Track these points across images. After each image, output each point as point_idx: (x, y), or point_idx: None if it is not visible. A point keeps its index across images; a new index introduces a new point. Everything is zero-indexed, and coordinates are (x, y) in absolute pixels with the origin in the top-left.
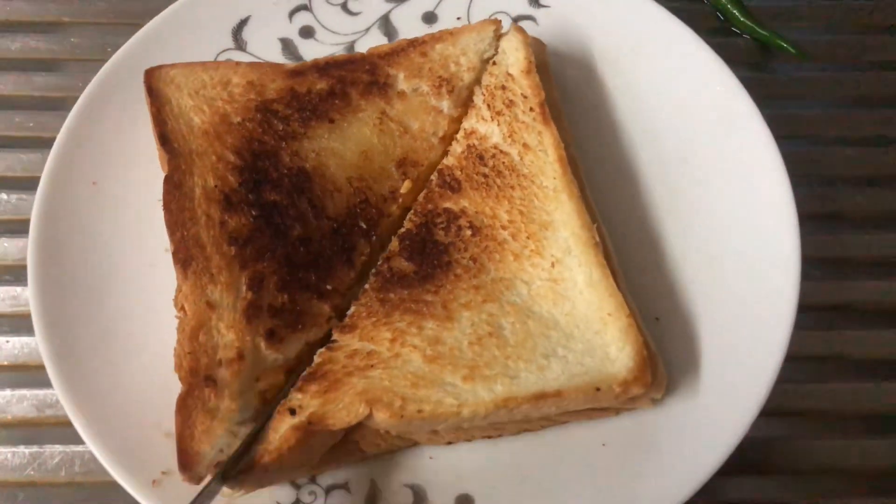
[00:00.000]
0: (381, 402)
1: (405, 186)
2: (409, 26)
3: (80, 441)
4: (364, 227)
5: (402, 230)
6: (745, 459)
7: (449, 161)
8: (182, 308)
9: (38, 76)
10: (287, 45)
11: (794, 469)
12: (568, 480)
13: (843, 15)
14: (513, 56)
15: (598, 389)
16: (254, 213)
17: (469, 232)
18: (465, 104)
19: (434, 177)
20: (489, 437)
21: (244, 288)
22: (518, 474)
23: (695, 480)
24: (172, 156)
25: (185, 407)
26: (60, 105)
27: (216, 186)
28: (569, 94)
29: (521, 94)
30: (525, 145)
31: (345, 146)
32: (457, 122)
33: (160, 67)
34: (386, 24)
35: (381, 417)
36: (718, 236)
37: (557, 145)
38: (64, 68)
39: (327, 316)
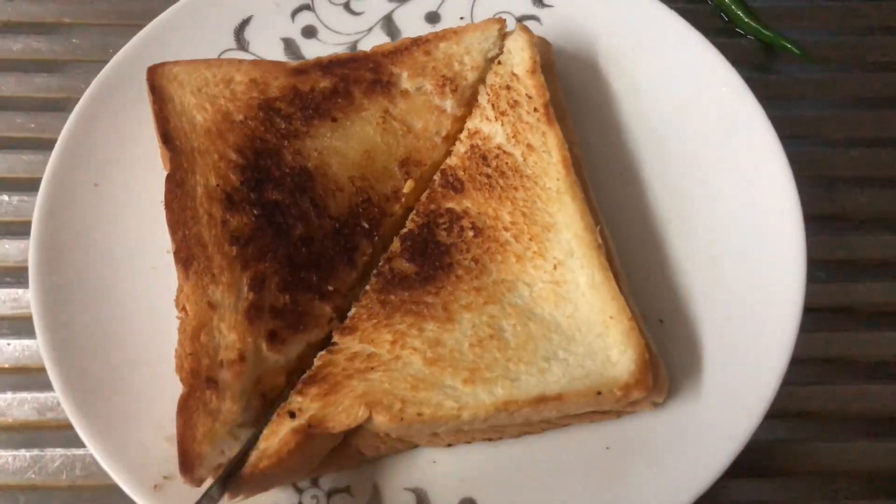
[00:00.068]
0: (380, 404)
1: (408, 186)
2: (412, 26)
3: (81, 444)
4: (366, 226)
5: (405, 230)
6: (748, 461)
7: (452, 161)
8: (183, 308)
9: (39, 77)
10: (289, 45)
11: (797, 471)
12: (569, 483)
13: (846, 16)
14: (518, 56)
15: (599, 393)
16: (255, 212)
17: (471, 233)
18: (469, 104)
19: (437, 177)
20: (490, 439)
21: (246, 288)
22: (520, 478)
23: (697, 485)
24: (174, 154)
25: (186, 408)
26: (62, 106)
27: (218, 185)
28: (573, 93)
29: (526, 94)
30: (529, 146)
31: (347, 145)
32: (460, 121)
33: (163, 65)
34: (389, 23)
35: (381, 420)
36: (722, 237)
37: (561, 147)
38: (65, 69)
39: (328, 317)
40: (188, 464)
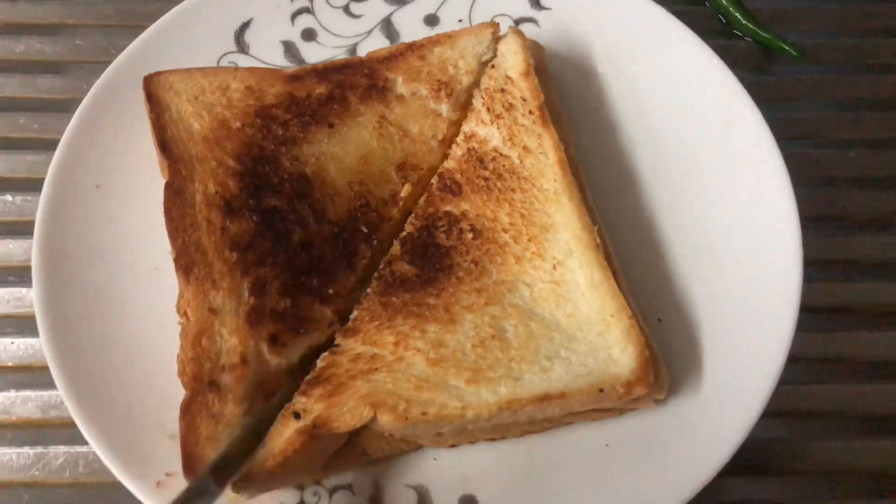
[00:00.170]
0: (385, 405)
1: (405, 190)
2: (411, 28)
3: (84, 442)
4: (365, 230)
5: (404, 234)
6: (747, 460)
7: (449, 164)
8: (185, 314)
9: (42, 78)
10: (289, 48)
11: (796, 470)
12: (571, 481)
13: (844, 17)
14: (511, 59)
15: (601, 390)
16: (255, 218)
17: (470, 235)
18: (465, 107)
19: (434, 180)
20: (493, 439)
21: (246, 293)
22: (521, 475)
23: (697, 481)
24: (172, 162)
25: (188, 412)
26: (64, 107)
27: (217, 192)
28: (570, 95)
29: (521, 96)
30: (525, 148)
31: (344, 150)
32: (456, 125)
33: (159, 74)
34: (388, 26)
35: (386, 420)
36: (720, 238)
37: (557, 148)
38: (68, 70)
39: (329, 320)
40: (192, 466)
